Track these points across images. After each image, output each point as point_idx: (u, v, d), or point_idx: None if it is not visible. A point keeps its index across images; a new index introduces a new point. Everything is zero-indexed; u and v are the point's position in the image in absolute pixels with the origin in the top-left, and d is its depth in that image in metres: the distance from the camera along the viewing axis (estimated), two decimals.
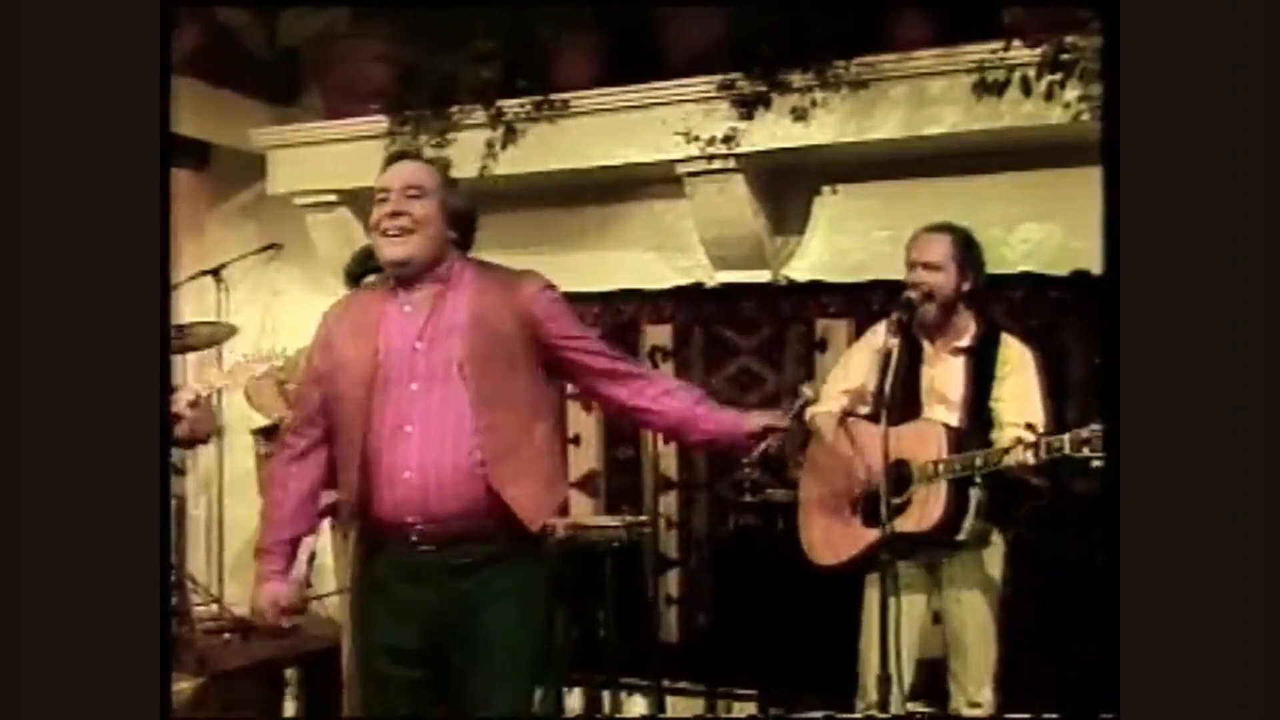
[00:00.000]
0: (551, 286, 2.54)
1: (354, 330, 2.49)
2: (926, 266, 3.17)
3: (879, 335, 3.22)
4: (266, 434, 3.93)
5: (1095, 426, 2.78)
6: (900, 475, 3.05)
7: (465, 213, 2.54)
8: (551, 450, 2.53)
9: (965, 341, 3.20)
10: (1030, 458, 2.88)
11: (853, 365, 3.36)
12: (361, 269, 3.71)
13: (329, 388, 2.49)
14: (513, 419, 2.39)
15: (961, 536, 3.09)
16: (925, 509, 3.04)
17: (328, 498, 3.72)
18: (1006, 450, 2.94)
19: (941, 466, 3.02)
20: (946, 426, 3.09)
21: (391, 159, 2.61)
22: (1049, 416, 3.09)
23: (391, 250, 2.42)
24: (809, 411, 3.43)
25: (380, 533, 2.44)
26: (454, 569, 2.38)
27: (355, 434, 2.41)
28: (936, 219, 3.33)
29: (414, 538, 2.38)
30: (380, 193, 2.47)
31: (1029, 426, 2.93)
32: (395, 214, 2.42)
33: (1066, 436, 2.84)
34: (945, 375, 3.19)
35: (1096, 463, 2.79)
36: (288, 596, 2.53)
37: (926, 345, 3.21)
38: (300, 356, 3.94)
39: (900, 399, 3.06)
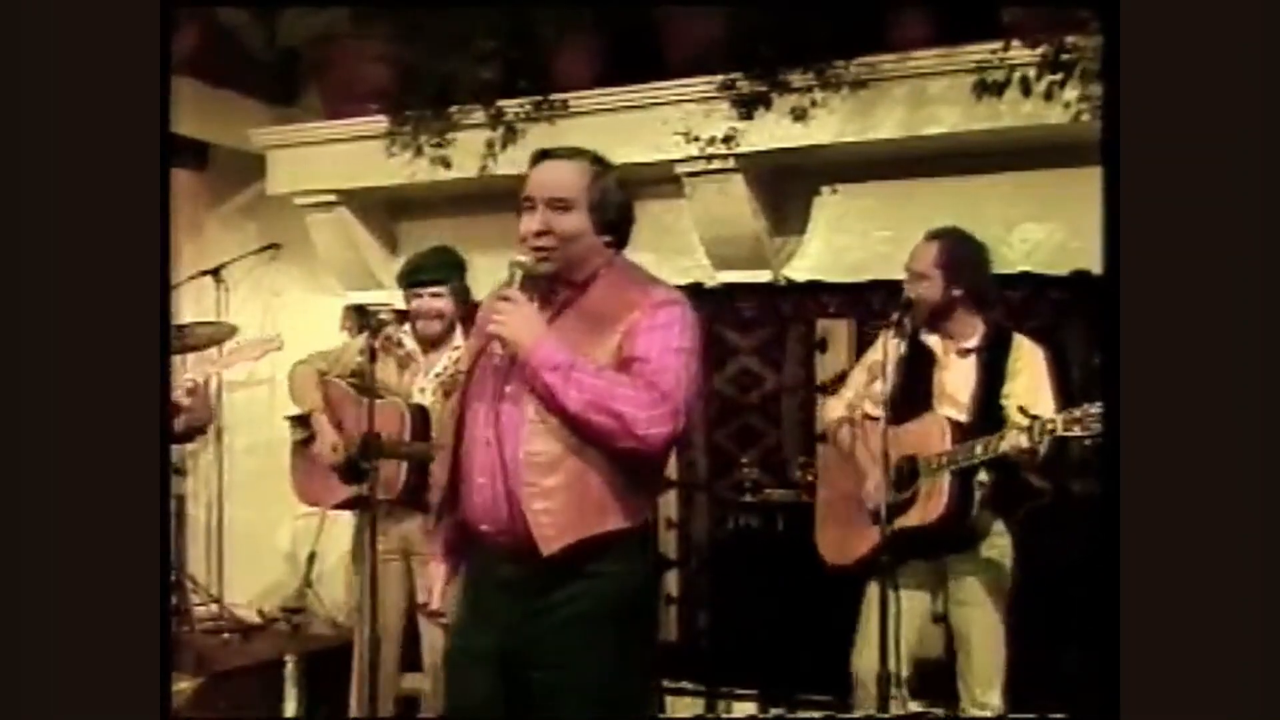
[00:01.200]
0: (671, 303, 2.26)
1: (480, 327, 2.39)
2: (913, 275, 3.22)
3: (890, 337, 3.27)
4: (298, 421, 3.92)
5: (1086, 405, 2.83)
6: (908, 471, 3.08)
7: (619, 212, 2.32)
8: (603, 474, 2.21)
9: (973, 342, 3.23)
10: (1025, 440, 2.91)
11: (870, 369, 3.39)
12: (410, 280, 3.70)
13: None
14: (568, 434, 2.20)
15: (967, 529, 3.11)
16: (930, 503, 3.07)
17: (346, 491, 3.75)
18: (1003, 436, 2.96)
19: (945, 459, 3.05)
20: (949, 420, 3.12)
21: (537, 157, 2.34)
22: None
23: (521, 257, 2.26)
24: (820, 413, 3.47)
25: (469, 536, 2.35)
26: (534, 582, 2.24)
27: (451, 429, 2.35)
28: (936, 219, 3.35)
29: (491, 546, 2.29)
30: (525, 200, 2.27)
31: (1021, 409, 2.95)
32: (539, 233, 2.24)
33: (1059, 416, 2.89)
34: (955, 377, 3.21)
35: (1089, 441, 2.86)
36: (445, 579, 2.43)
37: (938, 349, 3.24)
38: (341, 351, 3.95)
39: (908, 400, 3.10)
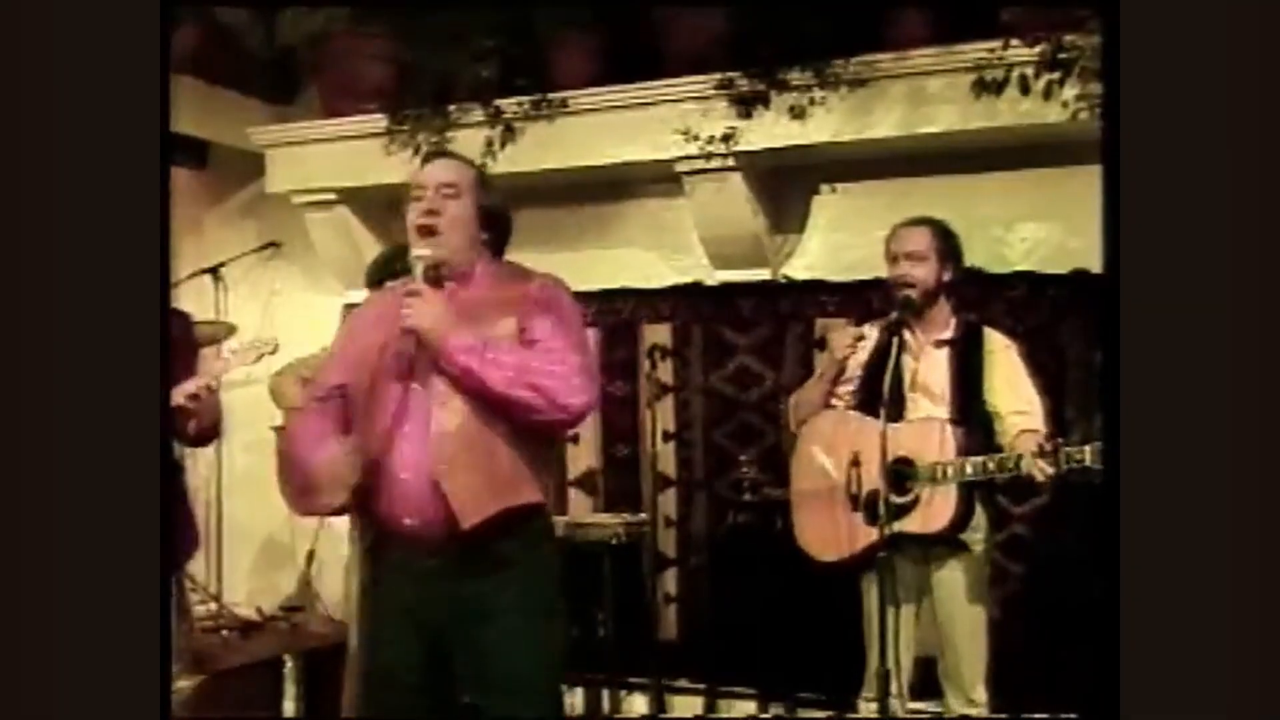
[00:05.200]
0: (555, 286, 2.46)
1: (376, 321, 2.47)
2: (909, 257, 3.20)
3: (865, 330, 3.26)
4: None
5: None
6: (902, 474, 3.05)
7: (499, 214, 2.50)
8: (510, 451, 2.34)
9: (947, 334, 3.22)
10: (1048, 467, 2.86)
11: (837, 355, 3.36)
12: (380, 274, 3.70)
13: (351, 377, 2.46)
14: (476, 413, 2.30)
15: (965, 535, 3.09)
16: (932, 510, 3.04)
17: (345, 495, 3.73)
18: (1020, 458, 2.92)
19: (951, 470, 3.02)
20: (947, 422, 3.09)
21: (428, 157, 2.55)
22: (1045, 409, 3.10)
23: (422, 250, 2.39)
24: (794, 399, 3.43)
25: (385, 533, 2.41)
26: (456, 575, 2.33)
27: (367, 430, 2.38)
28: (936, 217, 3.34)
29: (414, 541, 2.35)
30: (416, 190, 2.44)
31: (1049, 437, 2.91)
32: (429, 212, 2.39)
33: (1088, 448, 2.81)
34: (928, 368, 3.19)
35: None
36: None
37: (909, 339, 3.21)
38: (319, 357, 3.94)
39: (881, 390, 3.06)
